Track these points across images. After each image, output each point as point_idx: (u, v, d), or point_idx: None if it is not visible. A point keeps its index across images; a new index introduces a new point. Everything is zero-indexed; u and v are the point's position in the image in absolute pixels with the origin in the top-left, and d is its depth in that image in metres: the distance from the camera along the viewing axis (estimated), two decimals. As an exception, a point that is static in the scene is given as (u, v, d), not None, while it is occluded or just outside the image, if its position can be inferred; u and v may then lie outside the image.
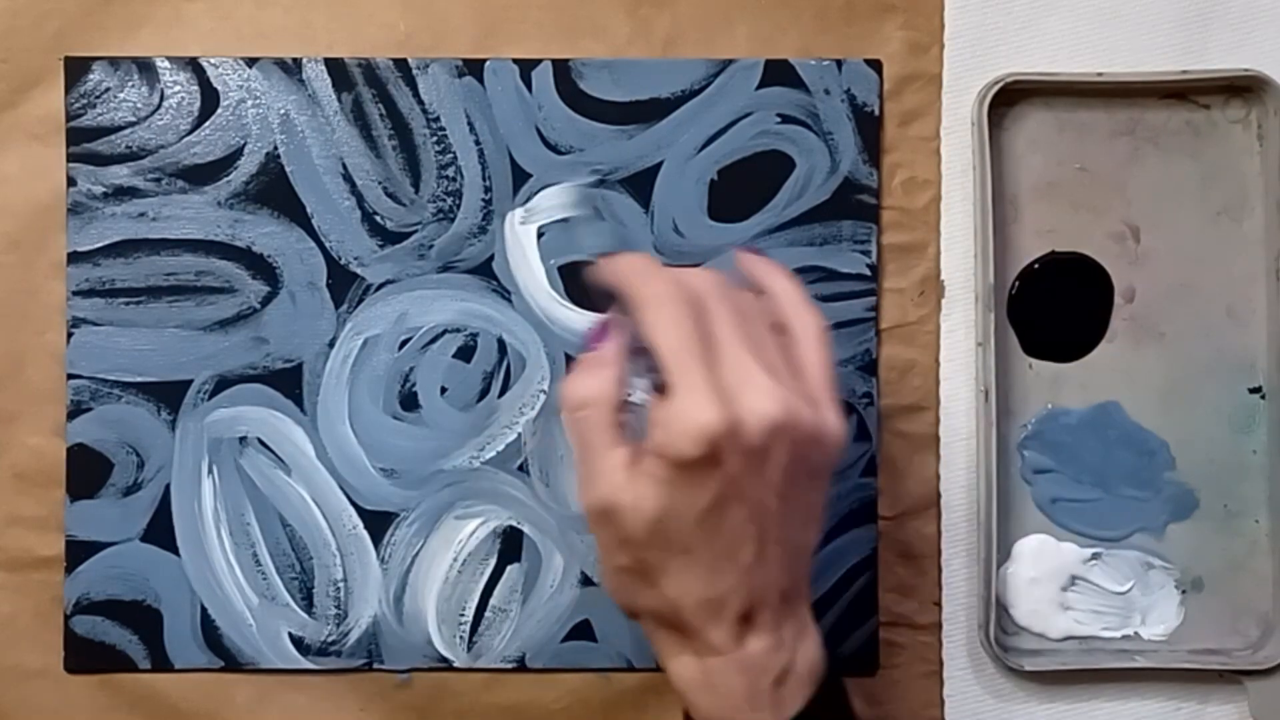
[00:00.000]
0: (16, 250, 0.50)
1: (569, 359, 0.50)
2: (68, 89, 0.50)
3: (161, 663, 0.50)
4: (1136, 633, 0.51)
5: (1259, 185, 0.51)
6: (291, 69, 0.50)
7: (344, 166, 0.50)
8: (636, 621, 0.40)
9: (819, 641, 0.40)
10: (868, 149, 0.51)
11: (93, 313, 0.50)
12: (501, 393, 0.50)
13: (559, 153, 0.50)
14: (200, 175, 0.50)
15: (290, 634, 0.50)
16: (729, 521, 0.37)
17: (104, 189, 0.50)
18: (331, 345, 0.50)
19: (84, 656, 0.50)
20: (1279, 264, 0.51)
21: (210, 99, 0.50)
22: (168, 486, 0.50)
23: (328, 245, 0.50)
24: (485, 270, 0.50)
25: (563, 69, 0.50)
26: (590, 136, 0.50)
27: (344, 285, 0.50)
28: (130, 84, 0.50)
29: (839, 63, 0.51)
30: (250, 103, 0.50)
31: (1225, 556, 0.51)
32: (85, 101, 0.50)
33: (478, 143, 0.50)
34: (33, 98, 0.50)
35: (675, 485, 0.37)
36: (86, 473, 0.50)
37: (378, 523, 0.50)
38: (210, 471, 0.50)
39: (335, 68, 0.50)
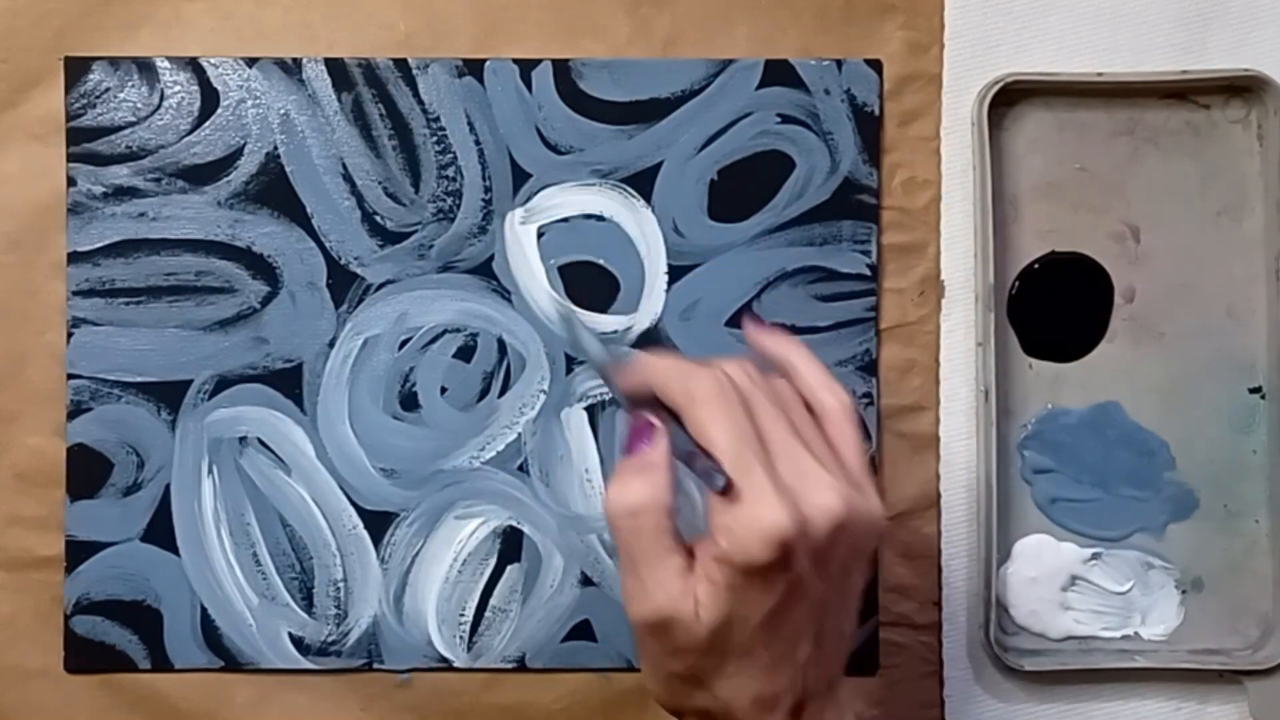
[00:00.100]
0: (16, 250, 0.50)
1: (569, 359, 0.50)
2: (68, 89, 0.50)
3: (161, 663, 0.50)
4: (1136, 633, 0.51)
5: (1259, 185, 0.51)
6: (291, 69, 0.50)
7: (344, 166, 0.50)
8: (681, 716, 0.39)
9: (850, 711, 0.39)
10: (868, 149, 0.51)
11: (93, 313, 0.50)
12: (501, 393, 0.50)
13: (559, 153, 0.50)
14: (200, 175, 0.50)
15: (290, 634, 0.50)
16: (791, 621, 0.36)
17: (104, 189, 0.50)
18: (331, 345, 0.50)
19: (84, 656, 0.50)
20: (1279, 264, 0.51)
21: (210, 99, 0.50)
22: (168, 486, 0.50)
23: (328, 245, 0.50)
24: (485, 270, 0.50)
25: (563, 69, 0.50)
26: (590, 136, 0.50)
27: (344, 285, 0.50)
28: (130, 84, 0.50)
29: (839, 63, 0.51)
30: (250, 103, 0.50)
31: (1225, 556, 0.51)
32: (85, 101, 0.50)
33: (478, 143, 0.50)
34: (33, 98, 0.50)
35: (740, 591, 0.35)
36: (86, 473, 0.50)
37: (378, 523, 0.50)
38: (210, 471, 0.50)
39: (335, 68, 0.50)
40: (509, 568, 0.50)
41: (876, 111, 0.51)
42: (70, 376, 0.50)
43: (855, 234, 0.51)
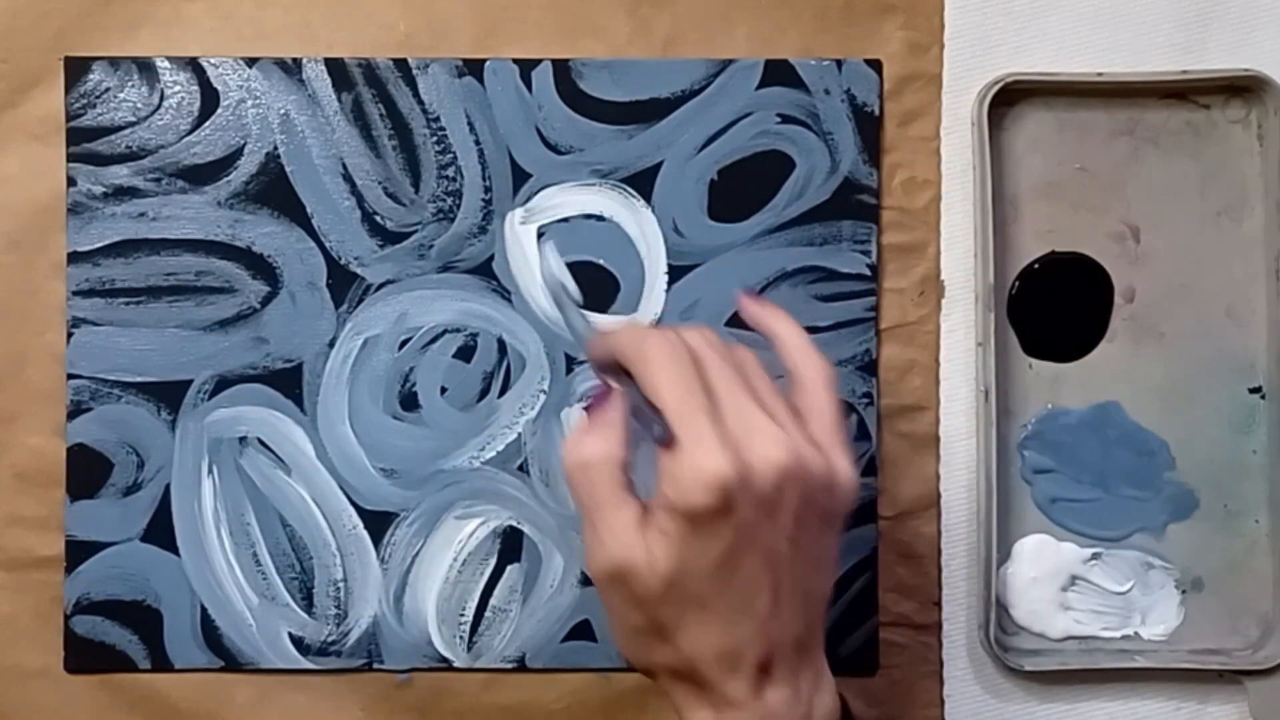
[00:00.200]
0: (16, 250, 0.50)
1: (569, 359, 0.50)
2: (68, 89, 0.50)
3: (161, 663, 0.50)
4: (1136, 633, 0.51)
5: (1259, 185, 0.51)
6: (291, 69, 0.50)
7: (344, 166, 0.50)
8: (652, 679, 0.39)
9: (835, 691, 0.39)
10: (868, 149, 0.51)
11: (93, 313, 0.50)
12: (501, 393, 0.50)
13: (559, 153, 0.50)
14: (200, 175, 0.50)
15: (290, 634, 0.50)
16: (743, 571, 0.37)
17: (104, 189, 0.50)
18: (331, 345, 0.50)
19: (84, 656, 0.50)
20: (1279, 264, 0.51)
21: (210, 99, 0.50)
22: (168, 486, 0.50)
23: (328, 245, 0.50)
24: (485, 270, 0.50)
25: (563, 69, 0.50)
26: (590, 136, 0.50)
27: (344, 285, 0.50)
28: (130, 84, 0.50)
29: (839, 63, 0.51)
30: (250, 103, 0.50)
31: (1225, 556, 0.51)
32: (85, 101, 0.50)
33: (478, 143, 0.50)
34: (33, 98, 0.50)
35: (688, 539, 0.36)
36: (86, 473, 0.50)
37: (378, 523, 0.50)
38: (210, 471, 0.50)
39: (335, 68, 0.50)
40: (509, 568, 0.50)
41: (876, 111, 0.51)
42: (70, 376, 0.50)
43: (855, 234, 0.51)
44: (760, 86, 0.50)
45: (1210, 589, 0.51)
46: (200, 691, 0.50)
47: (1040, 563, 0.51)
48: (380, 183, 0.50)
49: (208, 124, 0.50)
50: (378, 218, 0.50)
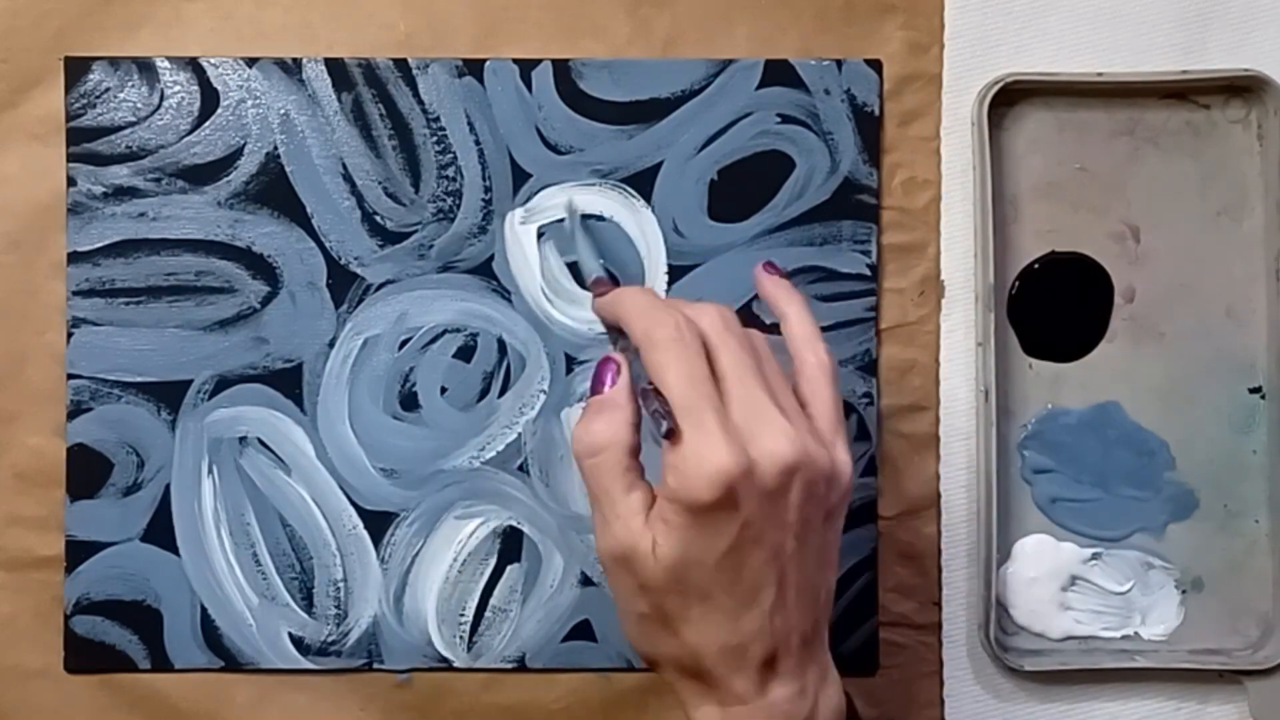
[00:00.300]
0: (16, 250, 0.50)
1: (569, 359, 0.50)
2: (68, 89, 0.50)
3: (161, 663, 0.50)
4: (1136, 633, 0.51)
5: (1259, 185, 0.51)
6: (291, 69, 0.50)
7: (344, 166, 0.50)
8: (659, 672, 0.39)
9: (840, 687, 0.39)
10: (868, 149, 0.51)
11: (93, 313, 0.50)
12: (501, 393, 0.50)
13: (559, 153, 0.50)
14: (200, 175, 0.50)
15: (290, 634, 0.50)
16: (748, 565, 0.36)
17: (104, 189, 0.50)
18: (331, 345, 0.50)
19: (84, 656, 0.50)
20: (1279, 264, 0.51)
21: (210, 99, 0.50)
22: (168, 486, 0.50)
23: (328, 245, 0.50)
24: (485, 270, 0.50)
25: (563, 69, 0.50)
26: (590, 136, 0.50)
27: (344, 285, 0.50)
28: (130, 84, 0.50)
29: (839, 63, 0.51)
30: (250, 103, 0.50)
31: (1225, 556, 0.51)
32: (85, 101, 0.50)
33: (478, 143, 0.50)
34: (33, 98, 0.50)
35: (692, 530, 0.36)
36: (86, 473, 0.50)
37: (378, 523, 0.50)
38: (210, 471, 0.50)
39: (335, 68, 0.50)
40: (509, 568, 0.50)
41: (876, 111, 0.51)
42: (70, 376, 0.50)
43: (855, 234, 0.51)
44: (760, 86, 0.50)
45: (1210, 589, 0.51)
46: (200, 691, 0.50)
47: (1040, 563, 0.51)
48: (380, 183, 0.50)
49: (208, 124, 0.50)
50: (378, 218, 0.50)
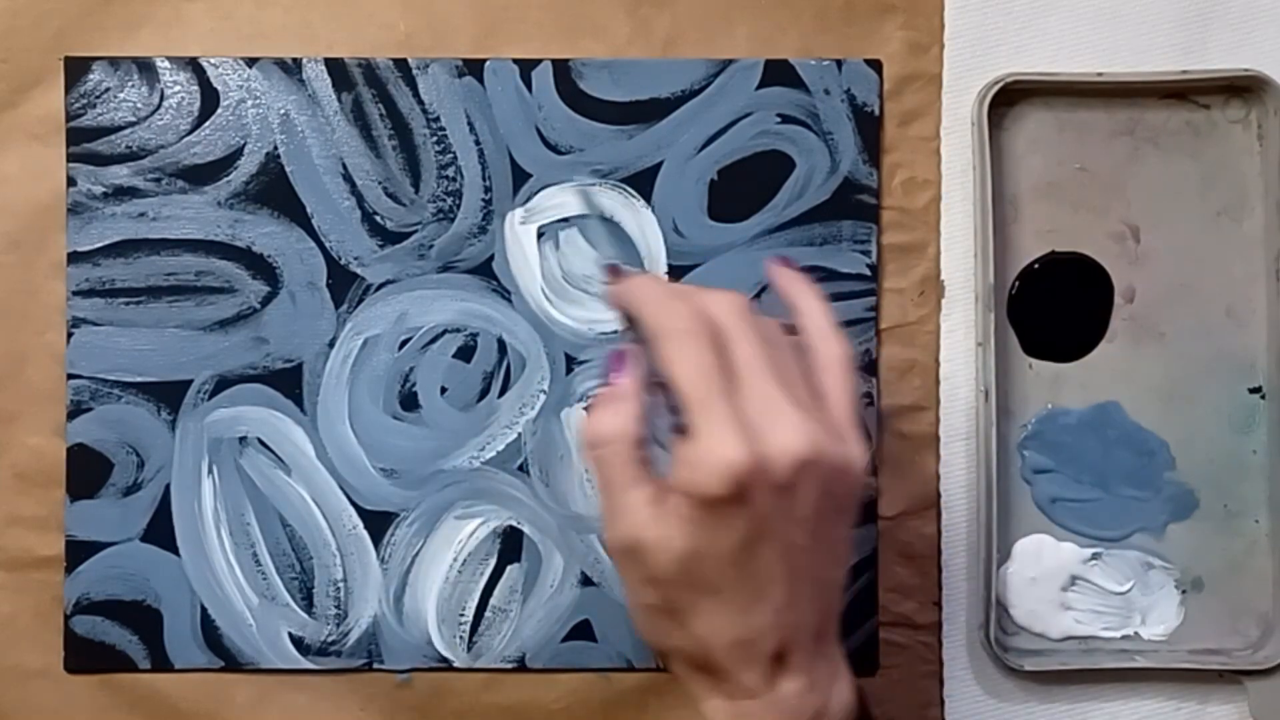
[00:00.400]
0: (16, 250, 0.50)
1: (569, 359, 0.50)
2: (68, 89, 0.50)
3: (161, 663, 0.50)
4: (1136, 633, 0.51)
5: (1259, 185, 0.51)
6: (291, 69, 0.50)
7: (344, 166, 0.50)
8: (666, 663, 0.39)
9: (852, 682, 0.39)
10: (868, 149, 0.51)
11: (93, 313, 0.50)
12: (501, 393, 0.50)
13: (559, 153, 0.50)
14: (200, 175, 0.50)
15: (290, 634, 0.50)
16: (759, 560, 0.36)
17: (104, 189, 0.50)
18: (331, 345, 0.50)
19: (84, 656, 0.50)
20: (1279, 264, 0.51)
21: (210, 99, 0.50)
22: (168, 486, 0.50)
23: (328, 245, 0.50)
24: (485, 270, 0.50)
25: (563, 69, 0.50)
26: (590, 136, 0.50)
27: (344, 285, 0.50)
28: (130, 84, 0.50)
29: (839, 63, 0.51)
30: (250, 103, 0.50)
31: (1225, 556, 0.51)
32: (85, 101, 0.50)
33: (478, 143, 0.50)
34: (33, 98, 0.50)
35: (702, 524, 0.36)
36: (86, 473, 0.50)
37: (378, 523, 0.50)
38: (210, 471, 0.50)
39: (335, 68, 0.50)
40: (509, 568, 0.50)
41: (876, 111, 0.51)
42: (70, 376, 0.50)
43: (855, 234, 0.51)
44: (760, 86, 0.50)
45: (1210, 589, 0.51)
46: (200, 691, 0.50)
47: (1040, 563, 0.51)
48: (380, 183, 0.50)
49: (208, 124, 0.50)
50: (378, 218, 0.50)
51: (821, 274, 0.51)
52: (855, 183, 0.51)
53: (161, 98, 0.50)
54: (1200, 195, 0.51)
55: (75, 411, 0.50)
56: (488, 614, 0.50)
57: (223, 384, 0.50)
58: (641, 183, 0.50)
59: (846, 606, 0.50)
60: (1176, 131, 0.51)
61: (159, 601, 0.50)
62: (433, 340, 0.50)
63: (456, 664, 0.50)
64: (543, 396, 0.50)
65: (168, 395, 0.50)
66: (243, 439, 0.50)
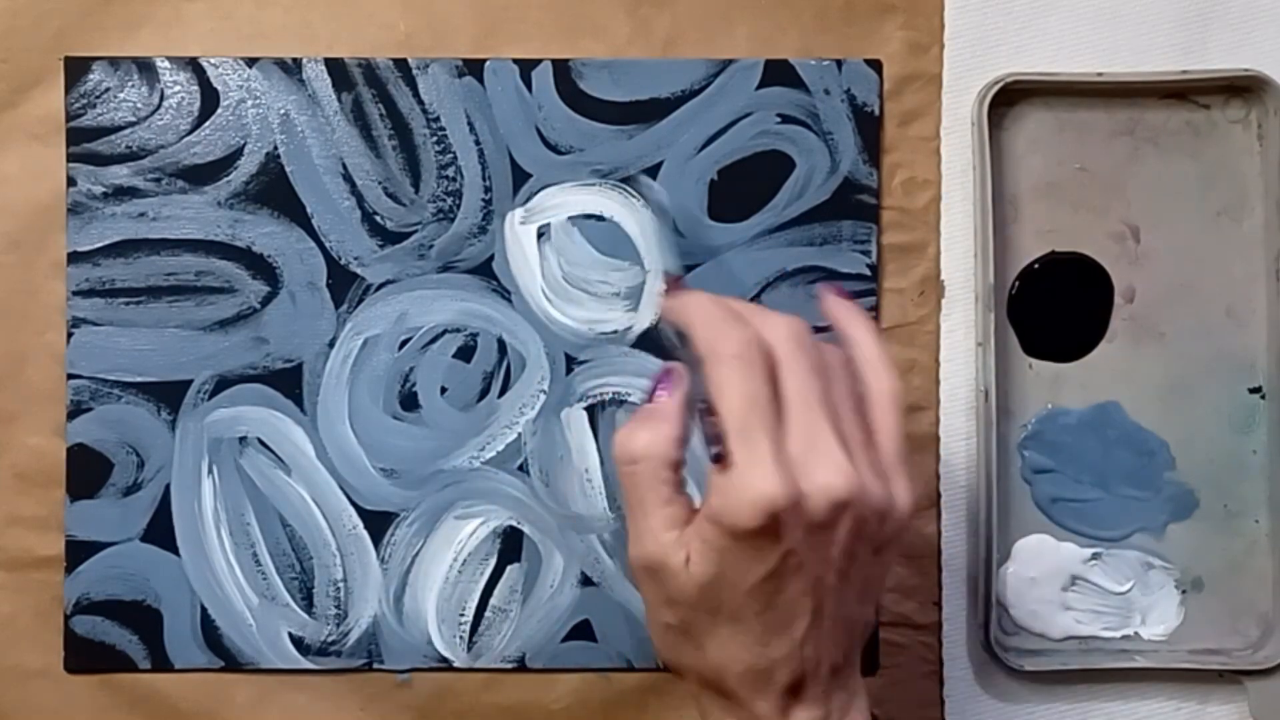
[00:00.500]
0: (16, 250, 0.50)
1: (569, 359, 0.50)
2: (68, 89, 0.50)
3: (161, 663, 0.50)
4: (1136, 633, 0.51)
5: (1259, 185, 0.51)
6: (291, 69, 0.50)
7: (344, 166, 0.50)
8: (681, 679, 0.39)
9: (868, 713, 0.38)
10: (868, 149, 0.51)
11: (93, 313, 0.50)
12: (501, 393, 0.50)
13: (559, 153, 0.50)
14: (200, 175, 0.50)
15: (290, 634, 0.50)
16: (785, 594, 0.36)
17: (104, 189, 0.50)
18: (331, 345, 0.50)
19: (84, 656, 0.50)
20: (1279, 264, 0.51)
21: (210, 99, 0.50)
22: (168, 486, 0.50)
23: (328, 245, 0.50)
24: (485, 270, 0.50)
25: (563, 69, 0.50)
26: (590, 136, 0.50)
27: (344, 285, 0.50)
28: (130, 84, 0.50)
29: (839, 63, 0.51)
30: (250, 103, 0.50)
31: (1225, 556, 0.51)
32: (85, 101, 0.50)
33: (478, 143, 0.50)
34: (33, 98, 0.50)
35: (730, 553, 0.35)
36: (86, 473, 0.50)
37: (378, 523, 0.50)
38: (210, 471, 0.50)
39: (335, 68, 0.50)
40: (509, 568, 0.50)
41: (876, 111, 0.51)
42: (70, 376, 0.50)
43: (855, 234, 0.51)
44: (760, 86, 0.50)
45: (1210, 589, 0.51)
46: (200, 691, 0.50)
47: (1040, 563, 0.51)
48: (380, 183, 0.50)
49: (208, 124, 0.50)
50: (378, 218, 0.50)
51: (821, 274, 0.51)
52: (855, 183, 0.51)
53: (161, 98, 0.50)
54: (1200, 195, 0.51)
55: (75, 411, 0.50)
56: (488, 614, 0.50)
57: (223, 384, 0.50)
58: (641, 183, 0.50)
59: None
60: (1176, 131, 0.51)
61: (159, 601, 0.50)
62: (433, 340, 0.50)
63: (456, 664, 0.50)
64: (543, 396, 0.50)
65: (168, 395, 0.50)
66: (243, 439, 0.50)
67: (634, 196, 0.50)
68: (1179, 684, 0.51)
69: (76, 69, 0.50)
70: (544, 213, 0.50)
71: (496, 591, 0.50)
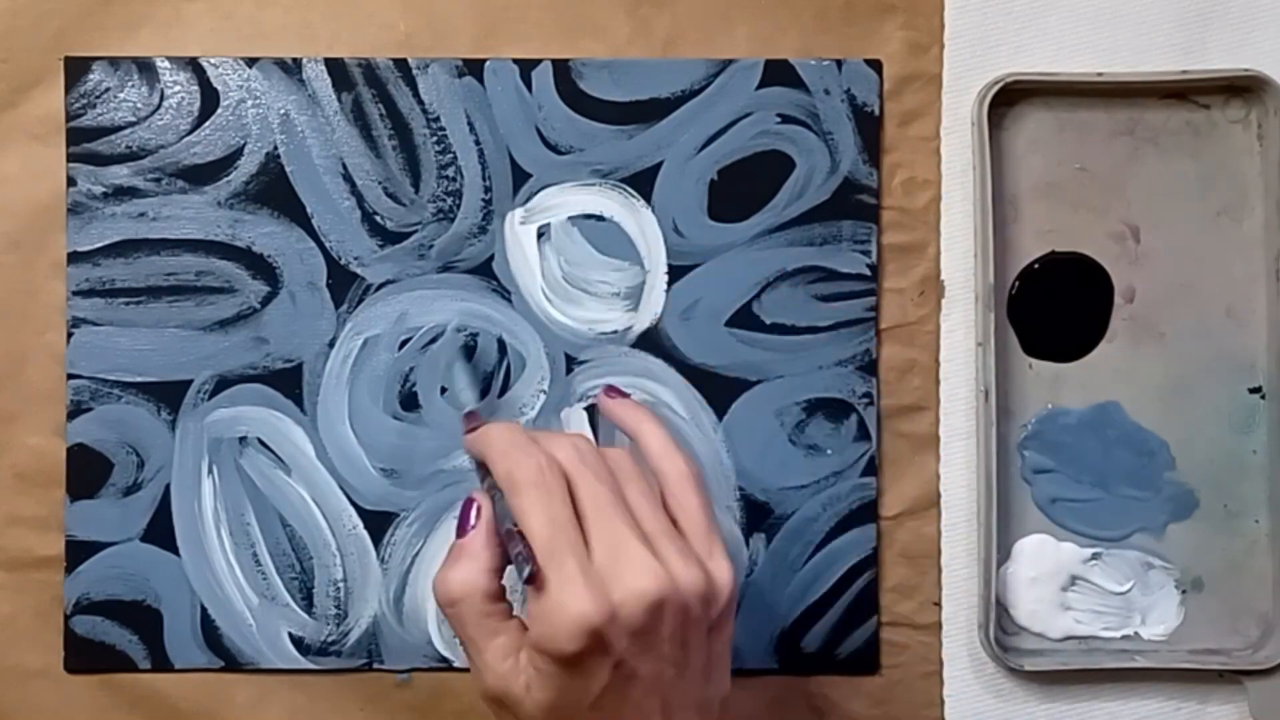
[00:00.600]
0: (16, 250, 0.50)
1: (569, 359, 0.50)
2: (68, 89, 0.50)
3: (161, 663, 0.50)
4: (1136, 633, 0.51)
5: (1259, 185, 0.51)
6: (291, 69, 0.50)
7: (344, 166, 0.50)
8: None
9: None
10: (868, 149, 0.51)
11: (93, 313, 0.50)
12: (501, 393, 0.50)
13: (559, 153, 0.50)
14: (200, 175, 0.50)
15: (290, 634, 0.50)
16: (629, 701, 0.36)
17: (104, 189, 0.50)
18: (331, 345, 0.50)
19: (84, 656, 0.50)
20: (1279, 264, 0.51)
21: (210, 99, 0.50)
22: (168, 486, 0.50)
23: (328, 245, 0.50)
24: (485, 270, 0.50)
25: (563, 69, 0.50)
26: (590, 136, 0.50)
27: (344, 285, 0.50)
28: (130, 84, 0.50)
29: (839, 63, 0.51)
30: (250, 103, 0.50)
31: (1225, 556, 0.51)
32: (85, 101, 0.50)
33: (478, 143, 0.50)
34: (33, 98, 0.50)
35: (562, 677, 0.36)
36: (86, 473, 0.50)
37: (378, 523, 0.50)
38: (210, 471, 0.50)
39: (335, 68, 0.50)
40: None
41: (876, 111, 0.51)
42: (70, 376, 0.50)
43: (855, 234, 0.51)
44: (760, 86, 0.50)
45: (1210, 589, 0.51)
46: (200, 691, 0.50)
47: (1040, 563, 0.51)
48: (380, 183, 0.50)
49: (208, 124, 0.50)
50: (378, 218, 0.50)
51: (821, 274, 0.51)
52: (855, 183, 0.51)
53: (161, 98, 0.50)
54: (1200, 195, 0.51)
55: (75, 411, 0.50)
56: (488, 614, 0.50)
57: (223, 384, 0.50)
58: (641, 183, 0.50)
59: (847, 606, 0.50)
60: (1176, 131, 0.51)
61: (159, 601, 0.50)
62: (433, 340, 0.50)
63: (456, 664, 0.50)
64: (543, 396, 0.50)
65: (168, 395, 0.50)
66: (243, 439, 0.50)
67: (634, 197, 0.50)
68: (1179, 684, 0.51)
69: (76, 69, 0.50)
70: (544, 213, 0.50)
71: (496, 591, 0.50)
